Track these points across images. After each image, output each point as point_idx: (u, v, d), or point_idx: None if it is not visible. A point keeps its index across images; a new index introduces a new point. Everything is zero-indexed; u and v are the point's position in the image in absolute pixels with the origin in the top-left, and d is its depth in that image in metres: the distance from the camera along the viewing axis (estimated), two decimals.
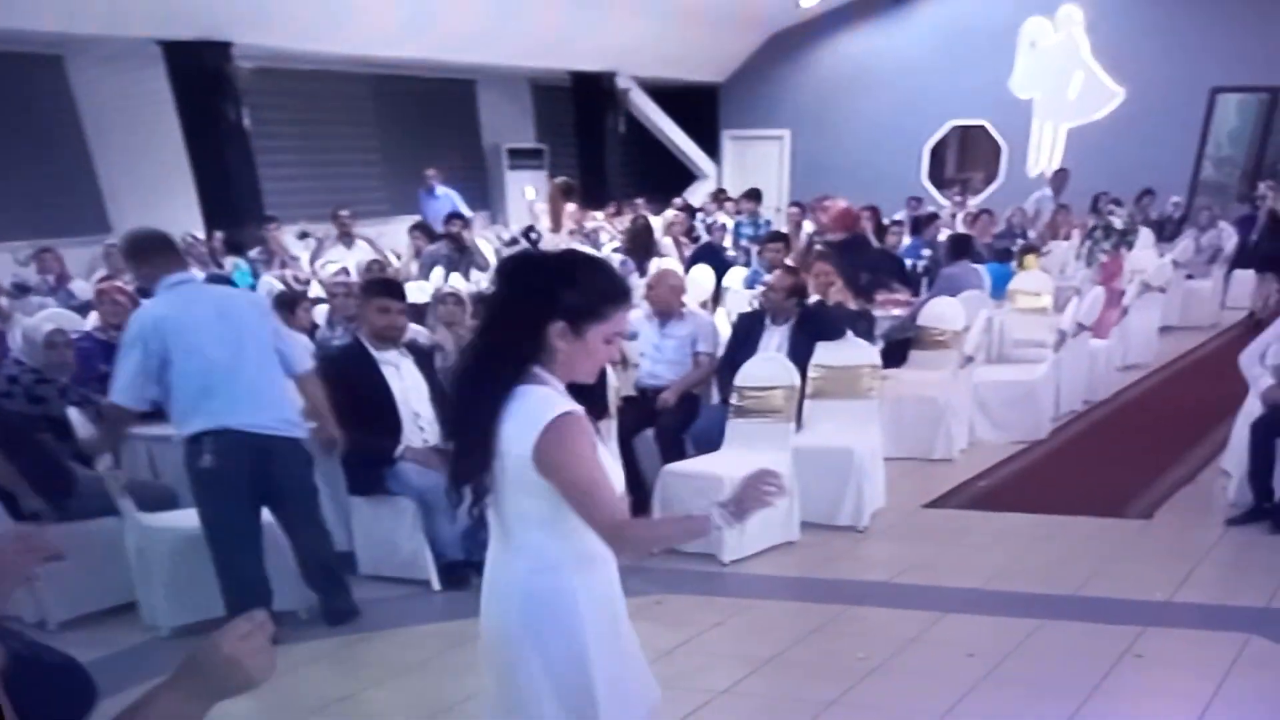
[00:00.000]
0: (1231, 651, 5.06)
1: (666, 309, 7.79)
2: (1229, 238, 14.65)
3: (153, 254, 5.56)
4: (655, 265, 10.90)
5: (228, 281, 9.89)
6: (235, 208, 13.19)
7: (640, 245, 12.41)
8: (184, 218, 12.57)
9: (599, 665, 2.83)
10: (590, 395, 6.53)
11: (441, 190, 15.42)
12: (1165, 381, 11.01)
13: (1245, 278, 14.51)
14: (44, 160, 12.70)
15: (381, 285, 6.93)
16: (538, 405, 2.77)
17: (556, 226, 14.99)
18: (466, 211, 14.23)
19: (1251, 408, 7.12)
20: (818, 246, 11.29)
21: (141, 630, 5.70)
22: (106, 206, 13.16)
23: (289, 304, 8.16)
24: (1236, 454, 7.21)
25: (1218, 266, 14.44)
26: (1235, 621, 5.42)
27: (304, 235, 13.05)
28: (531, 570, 2.85)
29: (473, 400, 2.84)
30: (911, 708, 4.72)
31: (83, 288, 10.32)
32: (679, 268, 11.67)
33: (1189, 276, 13.88)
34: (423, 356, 6.68)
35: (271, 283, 10.58)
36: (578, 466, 2.75)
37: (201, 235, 12.25)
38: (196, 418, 5.36)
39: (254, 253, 11.99)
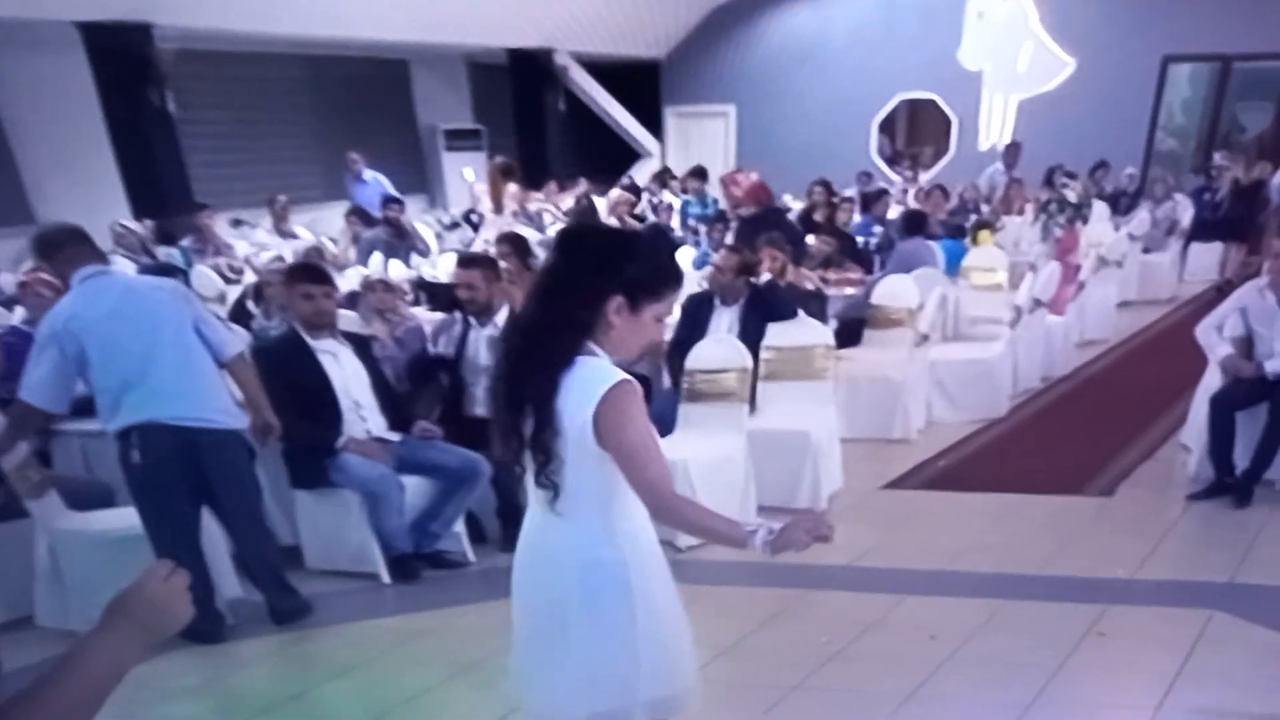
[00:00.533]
0: (1195, 628, 5.16)
1: None
2: (1185, 210, 14.88)
3: (62, 249, 5.49)
4: None
5: (166, 271, 9.78)
6: (163, 195, 13.03)
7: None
8: (111, 206, 12.44)
9: (644, 640, 2.98)
10: None
11: (369, 174, 15.24)
12: (1124, 357, 11.19)
13: (1202, 250, 14.77)
14: None
15: (302, 270, 6.86)
16: (596, 374, 2.88)
17: (498, 208, 14.95)
18: (396, 195, 14.13)
19: (1211, 381, 7.25)
20: (733, 221, 11.40)
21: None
22: (29, 196, 12.96)
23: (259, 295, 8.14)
24: (1196, 429, 7.34)
25: (1174, 239, 14.65)
26: (1199, 597, 5.54)
27: (238, 223, 12.95)
28: (589, 543, 2.96)
29: (529, 373, 2.93)
30: (875, 691, 4.78)
31: (8, 280, 10.17)
32: None
33: (1146, 250, 14.07)
34: (361, 345, 6.67)
35: (206, 272, 10.50)
36: (633, 431, 2.86)
37: (133, 224, 12.11)
38: (121, 413, 5.33)
39: (187, 241, 11.88)
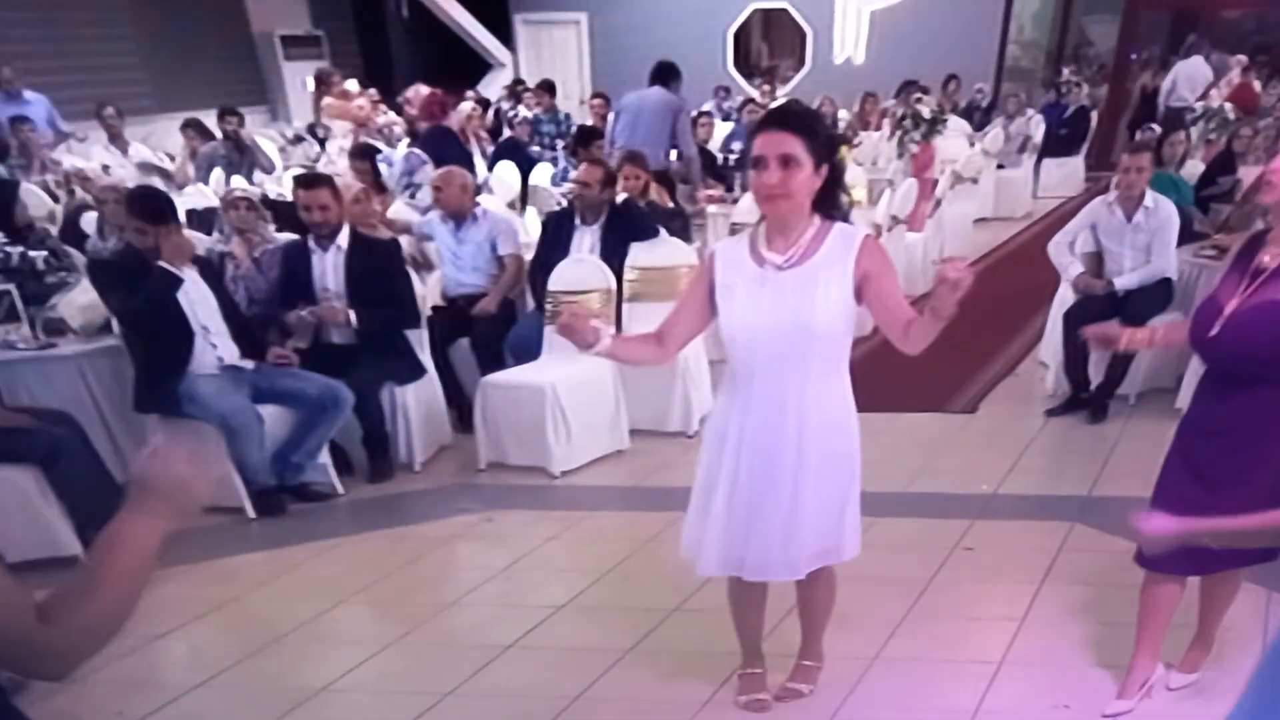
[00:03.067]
0: (1056, 540, 5.47)
1: (458, 210, 7.79)
2: (1038, 125, 15.31)
3: None
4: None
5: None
6: None
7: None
8: None
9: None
10: (393, 301, 6.63)
11: (32, 95, 13.19)
12: (982, 274, 11.16)
13: (1054, 166, 15.24)
14: None
15: (137, 204, 6.50)
16: None
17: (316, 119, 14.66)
18: (63, 125, 13.08)
19: (1064, 297, 7.54)
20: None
21: None
22: None
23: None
24: (1052, 345, 7.66)
25: (1028, 155, 15.08)
26: (1059, 510, 5.85)
27: (64, 136, 12.50)
28: None
29: None
30: None
31: None
32: (481, 165, 11.64)
33: (1000, 166, 14.48)
34: (206, 268, 6.55)
35: (35, 191, 10.15)
36: None
37: None
38: None
39: (12, 156, 11.43)
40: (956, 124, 14.55)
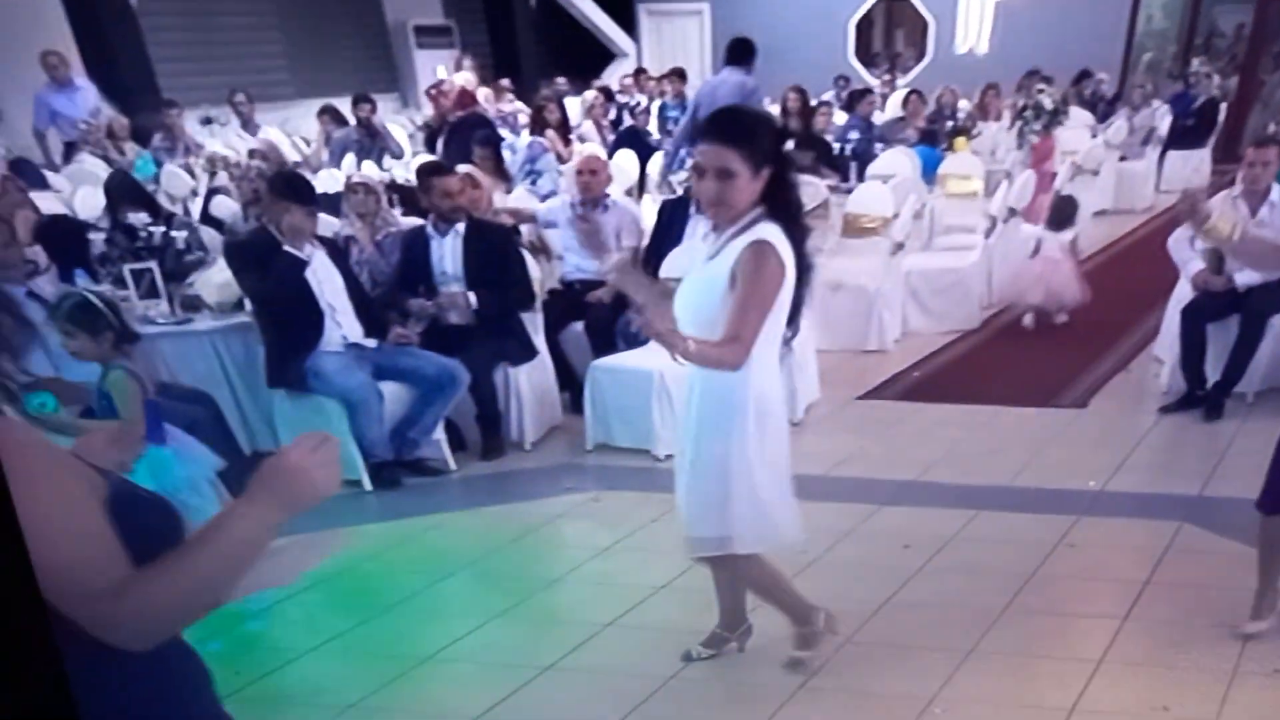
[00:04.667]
0: (1164, 539, 5.30)
1: (593, 197, 7.80)
2: (1163, 117, 14.87)
3: None
4: (579, 150, 10.85)
5: (127, 172, 9.70)
6: (128, 92, 12.85)
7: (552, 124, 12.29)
8: None
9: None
10: (507, 288, 6.67)
11: (83, 82, 12.52)
12: (1100, 267, 11.20)
13: (1179, 159, 14.78)
14: None
15: (285, 183, 6.69)
16: None
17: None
18: (107, 109, 12.49)
19: (1182, 293, 7.30)
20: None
21: None
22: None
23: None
24: (1169, 341, 7.42)
25: (1151, 147, 14.67)
26: (1168, 509, 5.66)
27: (208, 121, 12.79)
28: None
29: None
30: (849, 599, 4.87)
31: None
32: (602, 153, 11.63)
33: (1122, 158, 14.10)
34: (334, 249, 6.66)
35: (177, 172, 10.41)
36: None
37: (98, 122, 11.94)
38: None
39: (156, 140, 11.74)
40: (1079, 115, 14.20)
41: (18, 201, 7.98)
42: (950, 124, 13.18)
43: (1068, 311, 8.92)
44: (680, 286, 3.97)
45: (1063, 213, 9.14)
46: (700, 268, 3.91)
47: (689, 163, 9.25)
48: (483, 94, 14.50)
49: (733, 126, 3.80)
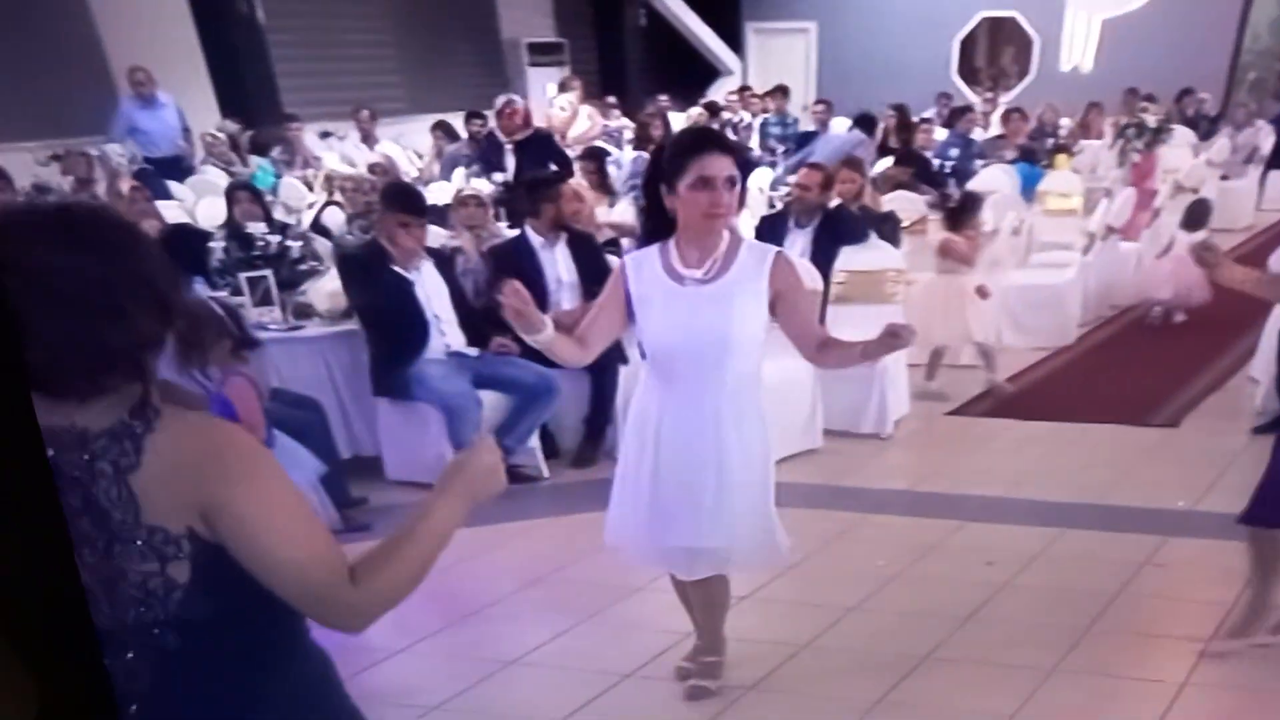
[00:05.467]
0: None
1: None
2: (1266, 136, 14.48)
3: None
4: None
5: (248, 183, 9.88)
6: (251, 105, 13.14)
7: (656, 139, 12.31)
8: (202, 117, 12.53)
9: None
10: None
11: (166, 96, 12.20)
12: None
13: None
14: (56, 56, 12.31)
15: (398, 195, 6.78)
16: None
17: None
18: (229, 123, 12.48)
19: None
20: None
21: None
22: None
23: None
24: (1265, 361, 7.22)
25: (1253, 166, 14.28)
26: None
27: (326, 135, 13.02)
28: None
29: None
30: (930, 614, 4.82)
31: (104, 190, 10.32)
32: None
33: (1224, 177, 13.73)
34: (440, 260, 6.72)
35: (294, 184, 10.60)
36: None
37: (223, 135, 12.21)
38: None
39: (276, 152, 11.98)
40: (1182, 134, 13.88)
41: (145, 211, 8.18)
42: (1051, 141, 12.97)
43: (1185, 311, 9.04)
44: (669, 307, 3.77)
45: (1196, 214, 9.16)
46: (691, 308, 3.74)
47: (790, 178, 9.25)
48: (585, 111, 14.46)
49: (721, 138, 3.93)
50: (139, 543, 1.83)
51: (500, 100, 10.81)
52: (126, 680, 1.89)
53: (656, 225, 3.82)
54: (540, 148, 10.86)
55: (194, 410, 1.94)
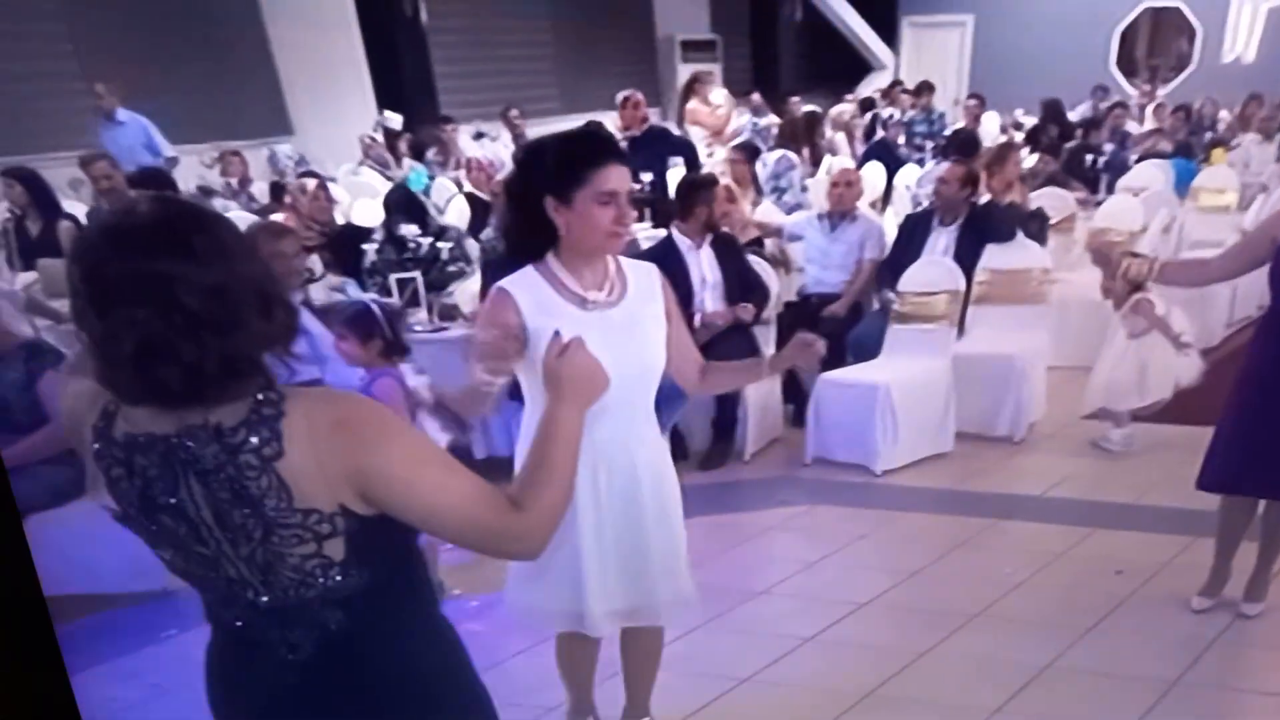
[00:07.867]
0: None
1: (844, 210, 7.75)
2: None
3: None
4: (829, 163, 10.77)
5: (401, 186, 10.12)
6: (410, 106, 13.40)
7: (799, 137, 12.22)
8: (361, 117, 12.86)
9: None
10: (749, 296, 6.67)
11: (126, 114, 11.02)
12: None
13: None
14: (226, 60, 12.63)
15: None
16: None
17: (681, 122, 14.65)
18: (166, 148, 11.05)
19: None
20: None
21: None
22: (287, 107, 13.24)
23: None
24: None
25: None
26: None
27: (479, 136, 13.25)
28: None
29: None
30: (1056, 623, 4.73)
31: (263, 190, 10.64)
32: (850, 165, 11.52)
33: None
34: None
35: (447, 184, 10.81)
36: None
37: (380, 137, 12.52)
38: None
39: (430, 154, 12.24)
40: None
41: (324, 209, 8.44)
42: (1209, 135, 12.53)
43: None
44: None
45: None
46: (604, 336, 2.65)
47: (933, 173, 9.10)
48: (717, 112, 14.20)
49: (618, 145, 3.42)
50: (295, 527, 1.88)
51: (621, 94, 10.75)
52: (290, 653, 2.00)
53: (529, 241, 3.21)
54: (657, 142, 10.79)
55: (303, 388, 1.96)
